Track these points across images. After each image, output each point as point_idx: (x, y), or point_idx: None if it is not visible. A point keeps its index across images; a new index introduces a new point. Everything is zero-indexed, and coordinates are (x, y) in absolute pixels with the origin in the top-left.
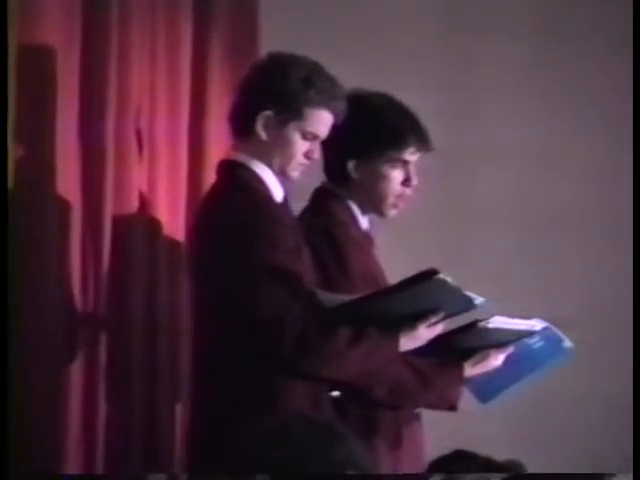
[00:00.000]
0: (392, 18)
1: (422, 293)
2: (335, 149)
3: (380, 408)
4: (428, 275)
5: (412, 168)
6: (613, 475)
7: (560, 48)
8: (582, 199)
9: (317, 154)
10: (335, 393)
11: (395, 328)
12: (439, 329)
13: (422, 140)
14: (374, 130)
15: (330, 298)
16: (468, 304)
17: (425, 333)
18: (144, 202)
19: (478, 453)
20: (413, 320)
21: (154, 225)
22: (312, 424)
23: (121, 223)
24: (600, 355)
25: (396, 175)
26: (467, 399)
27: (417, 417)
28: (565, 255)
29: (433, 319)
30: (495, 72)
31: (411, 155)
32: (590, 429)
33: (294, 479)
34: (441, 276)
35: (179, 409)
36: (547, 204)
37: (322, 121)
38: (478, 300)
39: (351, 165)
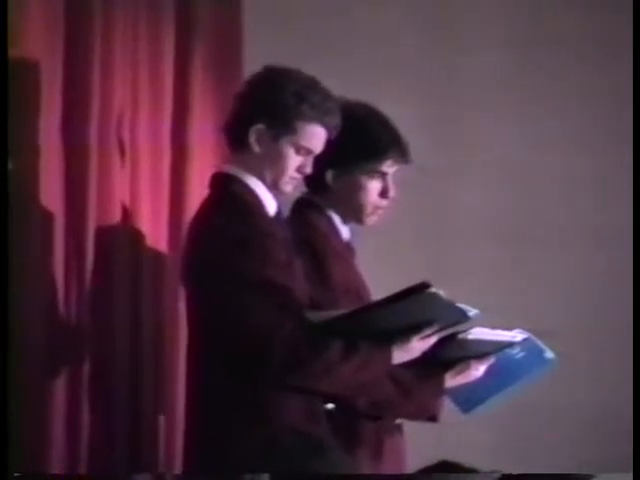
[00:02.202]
0: (375, 30)
1: (414, 306)
2: (314, 158)
3: (362, 419)
4: (420, 288)
5: (390, 180)
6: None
7: (545, 59)
8: (565, 212)
9: (309, 169)
10: (330, 405)
11: (388, 341)
12: (432, 341)
13: (401, 152)
14: (354, 141)
15: (319, 317)
16: (461, 316)
17: (418, 345)
18: (126, 213)
19: (462, 463)
20: (406, 333)
21: (137, 236)
22: (300, 437)
23: (104, 234)
24: (584, 364)
25: (374, 186)
26: (449, 409)
27: (398, 428)
28: (548, 268)
29: (426, 331)
30: (478, 84)
31: (389, 167)
32: (573, 438)
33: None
34: (433, 289)
35: (162, 416)
36: (531, 216)
37: (315, 136)
38: (472, 312)
39: (329, 175)
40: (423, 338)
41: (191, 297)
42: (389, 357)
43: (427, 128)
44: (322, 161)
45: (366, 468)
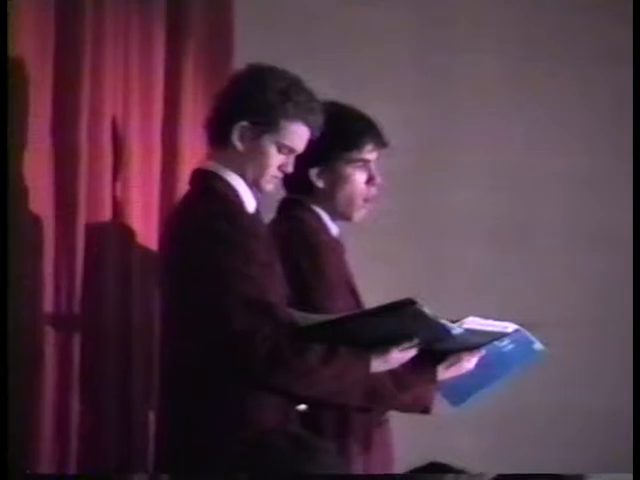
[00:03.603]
0: (367, 30)
1: (398, 320)
2: (295, 161)
3: (351, 413)
4: (405, 304)
5: (373, 167)
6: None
7: (544, 60)
8: (565, 212)
9: (291, 167)
10: (302, 407)
11: (368, 350)
12: (412, 354)
13: (377, 137)
14: (331, 135)
15: (306, 318)
16: (444, 333)
17: (397, 357)
18: (117, 212)
19: (452, 465)
20: (386, 343)
21: (127, 234)
22: (288, 438)
23: (94, 232)
24: (584, 365)
25: (359, 176)
26: (445, 409)
27: (385, 423)
28: (548, 267)
29: (406, 344)
30: (476, 84)
31: (369, 153)
32: (573, 438)
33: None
34: (418, 306)
35: (152, 411)
36: (530, 216)
37: (298, 134)
38: (456, 330)
39: (314, 174)
40: (402, 350)
41: (169, 295)
42: (367, 365)
43: (420, 129)
44: (303, 162)
45: (355, 461)
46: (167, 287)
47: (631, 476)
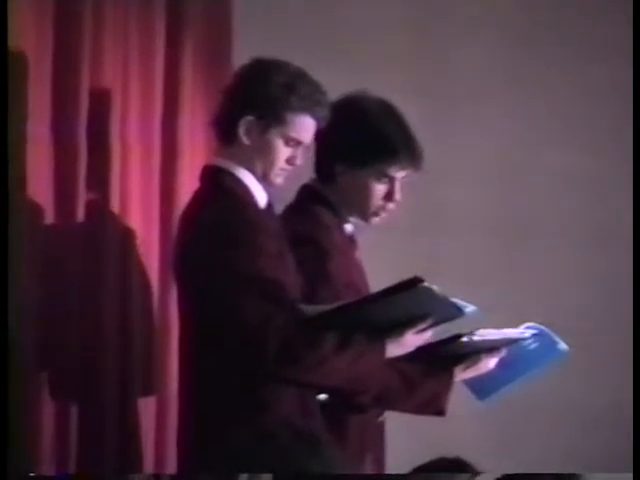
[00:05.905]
0: (369, 25)
1: (408, 301)
2: (326, 149)
3: (349, 412)
4: (412, 283)
5: (397, 184)
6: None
7: (544, 58)
8: (565, 210)
9: (300, 160)
10: (322, 396)
11: (381, 334)
12: (427, 336)
13: (413, 159)
14: (367, 140)
15: (314, 310)
16: (456, 312)
17: (413, 339)
18: (117, 208)
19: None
20: (400, 327)
21: (127, 231)
22: (295, 433)
23: (94, 230)
24: (583, 364)
25: (379, 189)
26: (454, 404)
27: (381, 424)
28: (548, 266)
29: (421, 326)
30: (476, 81)
31: (396, 171)
32: (572, 438)
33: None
34: (425, 284)
35: (150, 412)
36: (529, 215)
37: (304, 127)
38: (468, 308)
39: (338, 169)
40: (418, 332)
41: (183, 291)
42: (382, 350)
43: (422, 125)
44: (333, 153)
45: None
46: (181, 283)
47: (631, 476)
